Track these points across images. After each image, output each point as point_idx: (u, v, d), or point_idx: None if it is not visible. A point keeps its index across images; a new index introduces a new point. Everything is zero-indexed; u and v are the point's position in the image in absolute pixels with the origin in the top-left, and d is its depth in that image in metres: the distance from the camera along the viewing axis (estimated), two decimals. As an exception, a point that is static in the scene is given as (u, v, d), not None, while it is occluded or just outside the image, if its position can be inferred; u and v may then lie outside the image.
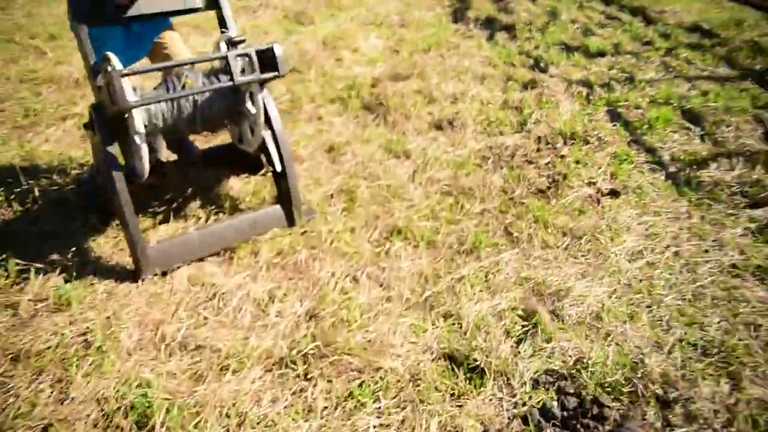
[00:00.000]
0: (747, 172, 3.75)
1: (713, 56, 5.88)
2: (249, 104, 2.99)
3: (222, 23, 3.15)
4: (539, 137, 4.19)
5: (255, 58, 2.71)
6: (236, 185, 3.65)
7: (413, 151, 4.03)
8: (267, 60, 2.77)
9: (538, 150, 4.05)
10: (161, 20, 3.20)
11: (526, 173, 3.74)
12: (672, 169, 3.89)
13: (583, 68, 5.65)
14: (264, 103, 2.98)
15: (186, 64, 2.86)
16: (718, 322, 2.62)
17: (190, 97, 2.84)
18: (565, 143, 4.14)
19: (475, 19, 7.36)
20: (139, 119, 2.64)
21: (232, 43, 2.84)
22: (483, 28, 7.12)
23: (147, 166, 2.75)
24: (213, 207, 3.39)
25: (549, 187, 3.60)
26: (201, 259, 2.97)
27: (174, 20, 3.37)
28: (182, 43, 3.33)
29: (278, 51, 2.73)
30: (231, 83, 2.67)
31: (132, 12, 2.86)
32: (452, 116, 4.51)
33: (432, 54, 6.06)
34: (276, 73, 2.76)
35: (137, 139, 2.65)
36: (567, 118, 4.42)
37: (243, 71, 2.77)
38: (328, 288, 2.79)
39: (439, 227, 3.24)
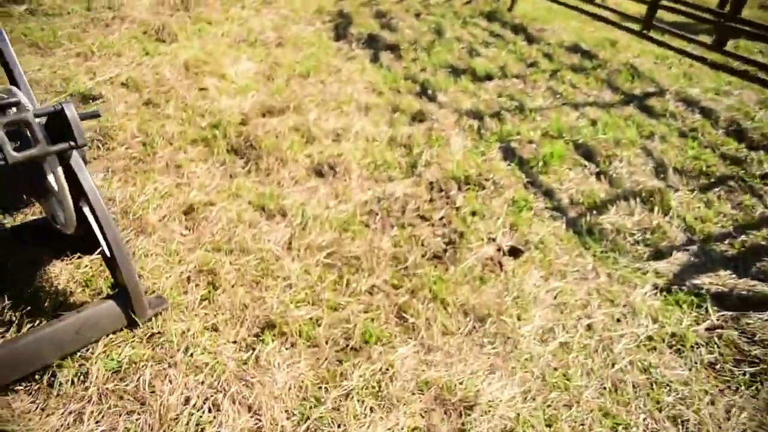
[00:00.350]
0: (646, 216, 3.56)
1: (596, 79, 5.85)
2: (51, 178, 2.22)
3: (7, 71, 2.31)
4: (431, 183, 3.76)
5: (36, 126, 1.95)
6: (63, 273, 2.81)
7: (290, 208, 3.41)
8: (61, 124, 2.03)
9: (431, 200, 3.60)
10: None
11: (420, 233, 3.26)
12: (572, 214, 3.62)
13: (472, 94, 5.35)
14: (76, 175, 2.23)
15: None
16: (644, 420, 2.29)
17: None
18: (459, 189, 3.73)
19: (358, 38, 6.89)
20: None
21: None
22: (366, 47, 6.67)
23: None
24: (25, 308, 2.53)
25: (446, 250, 3.15)
26: (5, 389, 2.18)
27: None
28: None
29: (70, 113, 2.00)
30: (2, 162, 1.89)
31: None
32: (334, 159, 3.94)
33: (311, 80, 5.47)
34: (70, 144, 2.03)
35: None
36: (459, 158, 4.03)
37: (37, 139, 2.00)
38: (179, 424, 2.13)
39: (321, 316, 2.65)
